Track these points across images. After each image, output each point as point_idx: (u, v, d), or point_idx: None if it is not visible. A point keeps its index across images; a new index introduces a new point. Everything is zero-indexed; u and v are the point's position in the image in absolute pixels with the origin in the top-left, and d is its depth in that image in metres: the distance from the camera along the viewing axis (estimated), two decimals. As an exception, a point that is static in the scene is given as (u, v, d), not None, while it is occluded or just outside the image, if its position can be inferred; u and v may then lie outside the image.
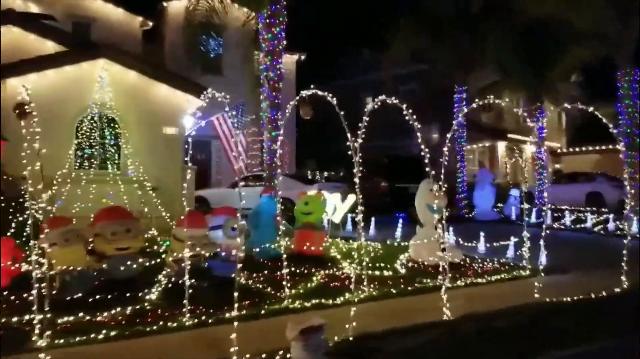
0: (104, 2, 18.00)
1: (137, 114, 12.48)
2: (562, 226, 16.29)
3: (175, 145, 12.70)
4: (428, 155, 6.33)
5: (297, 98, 6.91)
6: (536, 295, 7.38)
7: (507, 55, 19.03)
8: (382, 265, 9.29)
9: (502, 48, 18.88)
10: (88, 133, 12.61)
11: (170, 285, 7.11)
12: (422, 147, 6.38)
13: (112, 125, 12.79)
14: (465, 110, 22.24)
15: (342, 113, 5.88)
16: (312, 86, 6.46)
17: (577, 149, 32.77)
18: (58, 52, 12.69)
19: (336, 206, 11.89)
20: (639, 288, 7.92)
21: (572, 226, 16.10)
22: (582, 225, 16.05)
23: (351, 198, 11.69)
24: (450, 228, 11.94)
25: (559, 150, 33.21)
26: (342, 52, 33.87)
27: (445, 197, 10.30)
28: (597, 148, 30.68)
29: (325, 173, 21.99)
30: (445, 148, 7.21)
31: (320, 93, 6.27)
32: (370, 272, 8.40)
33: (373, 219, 13.61)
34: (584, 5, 16.06)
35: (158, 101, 12.65)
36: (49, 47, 13.00)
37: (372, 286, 7.61)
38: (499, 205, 20.40)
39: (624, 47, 16.37)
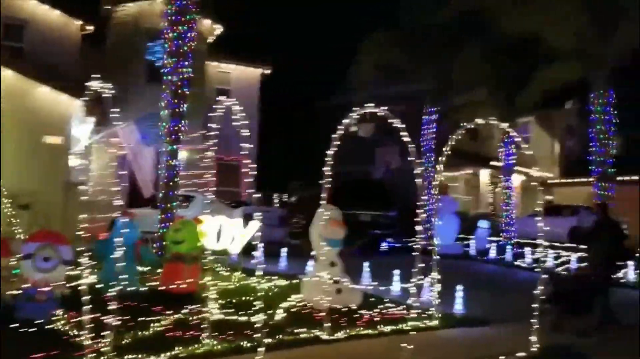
0: (39, 2, 16.73)
1: (13, 119, 10.88)
2: (523, 265, 14.44)
3: (59, 157, 11.12)
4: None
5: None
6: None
7: (482, 75, 17.43)
8: (261, 307, 7.63)
9: (477, 67, 17.31)
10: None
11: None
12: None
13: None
14: (433, 131, 20.87)
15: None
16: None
17: (570, 180, 30.76)
18: None
19: (234, 234, 10.18)
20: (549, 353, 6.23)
21: (534, 265, 14.21)
22: (544, 264, 14.13)
23: (254, 226, 10.02)
24: (366, 263, 10.28)
25: (550, 181, 31.22)
26: (324, 70, 32.60)
27: (343, 228, 8.70)
28: (591, 179, 28.64)
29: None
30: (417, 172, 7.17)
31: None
32: (234, 318, 6.91)
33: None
34: (563, 23, 14.50)
35: (39, 105, 11.12)
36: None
37: (227, 334, 6.18)
38: (470, 237, 18.60)
39: (601, 67, 14.65)
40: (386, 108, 7.00)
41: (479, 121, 7.98)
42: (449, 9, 16.72)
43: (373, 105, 6.69)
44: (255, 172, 23.27)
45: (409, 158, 7.53)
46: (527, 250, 14.93)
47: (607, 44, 14.37)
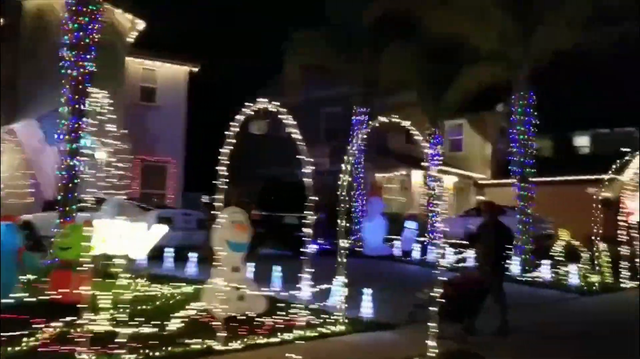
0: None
1: None
2: (447, 266, 14.40)
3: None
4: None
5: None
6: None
7: (408, 76, 17.40)
8: (154, 316, 7.13)
9: (404, 68, 17.26)
10: None
11: None
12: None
13: None
14: (363, 132, 20.72)
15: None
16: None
17: (501, 181, 31.44)
18: None
19: (137, 239, 9.54)
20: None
21: (455, 266, 14.20)
22: (465, 264, 14.17)
23: (159, 230, 9.43)
24: (277, 266, 9.92)
25: (482, 181, 31.83)
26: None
27: (248, 232, 8.28)
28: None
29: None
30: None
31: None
32: (122, 329, 6.20)
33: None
34: (484, 24, 14.56)
35: None
36: None
37: (108, 348, 5.59)
38: (398, 237, 18.52)
39: (522, 67, 14.81)
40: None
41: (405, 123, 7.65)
42: (375, 8, 16.60)
43: (266, 100, 6.27)
44: (181, 173, 22.58)
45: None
46: (449, 250, 14.94)
47: (527, 45, 14.55)
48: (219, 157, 6.69)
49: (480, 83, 15.92)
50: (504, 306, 7.61)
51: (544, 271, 12.43)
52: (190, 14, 33.04)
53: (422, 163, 26.70)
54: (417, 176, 27.52)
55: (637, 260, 13.56)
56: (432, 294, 6.17)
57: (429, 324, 6.02)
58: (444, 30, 15.36)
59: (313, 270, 8.47)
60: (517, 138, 14.84)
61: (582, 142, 36.50)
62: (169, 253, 11.81)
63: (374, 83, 18.23)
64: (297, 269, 9.45)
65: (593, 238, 13.54)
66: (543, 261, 12.85)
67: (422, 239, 17.81)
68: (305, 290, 8.99)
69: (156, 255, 10.72)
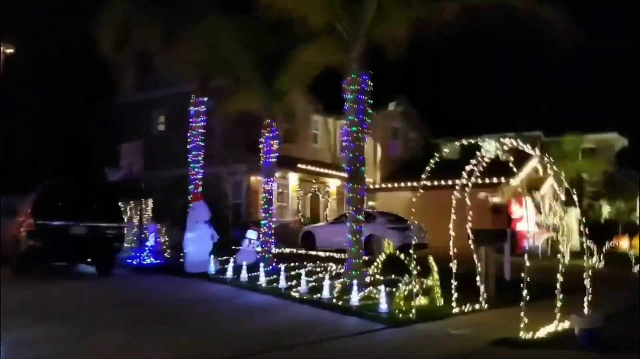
0: None
1: None
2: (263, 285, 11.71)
3: None
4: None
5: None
6: None
7: (239, 58, 14.64)
8: None
9: (234, 48, 14.50)
10: None
11: None
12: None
13: None
14: (201, 125, 17.86)
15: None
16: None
17: (391, 185, 29.43)
18: None
19: None
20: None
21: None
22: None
23: None
24: None
25: (372, 186, 29.63)
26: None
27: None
28: (410, 184, 27.38)
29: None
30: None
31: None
32: None
33: None
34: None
35: None
36: None
37: None
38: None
39: (355, 47, 12.37)
40: None
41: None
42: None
43: None
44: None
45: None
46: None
47: (358, 21, 12.15)
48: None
49: (311, 64, 13.35)
50: None
51: (354, 293, 9.87)
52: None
53: (300, 166, 24.58)
54: (293, 179, 24.98)
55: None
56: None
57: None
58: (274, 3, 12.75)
59: None
60: (349, 130, 12.34)
61: (488, 146, 35.11)
62: None
63: (204, 67, 15.43)
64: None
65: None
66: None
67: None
68: None
69: None
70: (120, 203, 14.78)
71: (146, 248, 16.93)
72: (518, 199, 22.95)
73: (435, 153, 9.83)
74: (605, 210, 33.40)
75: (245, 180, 24.37)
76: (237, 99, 15.03)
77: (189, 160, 16.76)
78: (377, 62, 12.86)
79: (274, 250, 15.43)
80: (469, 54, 34.99)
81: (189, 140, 16.77)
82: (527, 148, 9.28)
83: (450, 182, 21.21)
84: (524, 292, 7.92)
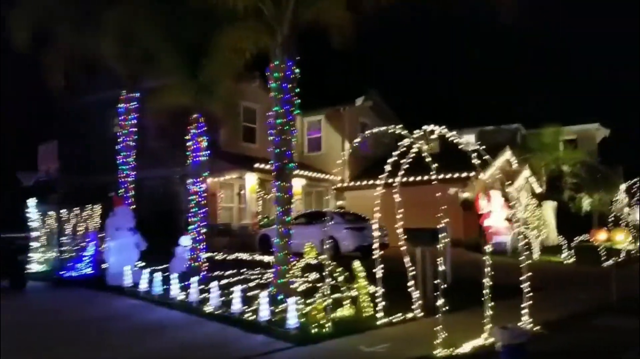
0: None
1: None
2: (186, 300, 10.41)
3: None
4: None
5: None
6: None
7: (159, 47, 13.34)
8: None
9: (152, 36, 13.20)
10: None
11: None
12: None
13: None
14: (132, 123, 16.53)
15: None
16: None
17: (360, 183, 28.15)
18: None
19: None
20: None
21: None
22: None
23: None
24: None
25: (340, 184, 28.37)
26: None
27: None
28: (378, 182, 26.03)
29: None
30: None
31: None
32: None
33: None
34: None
35: None
36: None
37: None
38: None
39: (280, 31, 11.10)
40: None
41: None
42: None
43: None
44: None
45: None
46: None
47: (282, 1, 10.91)
48: None
49: (237, 50, 12.05)
50: None
51: (264, 307, 8.59)
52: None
53: (257, 165, 23.30)
54: (252, 179, 23.66)
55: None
56: None
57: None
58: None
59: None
60: (274, 122, 11.05)
61: (469, 139, 34.25)
62: None
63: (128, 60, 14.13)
64: None
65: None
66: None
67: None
68: None
69: None
70: (36, 210, 13.44)
71: (84, 258, 15.62)
72: (486, 193, 21.67)
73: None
74: (586, 202, 32.27)
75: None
76: (163, 93, 13.70)
77: (117, 162, 15.42)
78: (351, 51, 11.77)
79: (204, 256, 14.01)
80: (446, 46, 33.92)
81: (118, 140, 15.44)
82: (461, 139, 8.22)
83: (412, 179, 20.10)
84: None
